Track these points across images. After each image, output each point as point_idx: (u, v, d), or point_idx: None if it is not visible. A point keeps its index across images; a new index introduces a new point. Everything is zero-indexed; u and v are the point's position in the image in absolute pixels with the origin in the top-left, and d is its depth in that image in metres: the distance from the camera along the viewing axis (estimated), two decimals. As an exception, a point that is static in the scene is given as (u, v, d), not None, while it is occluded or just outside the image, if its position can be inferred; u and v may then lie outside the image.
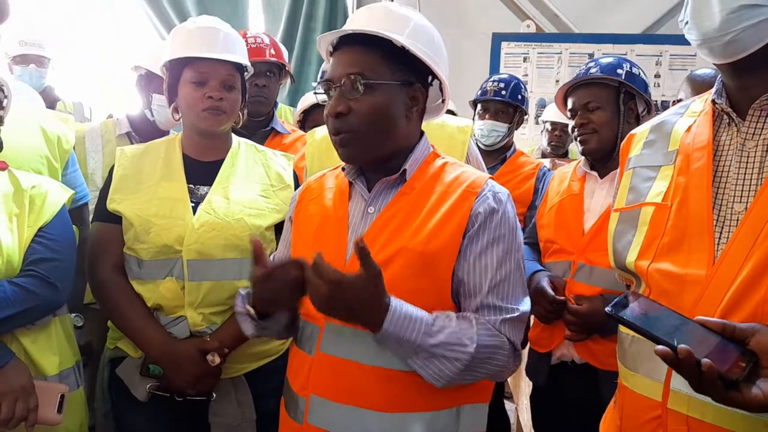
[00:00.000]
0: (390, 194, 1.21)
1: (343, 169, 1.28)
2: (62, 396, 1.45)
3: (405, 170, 1.20)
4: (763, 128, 0.97)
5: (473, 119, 2.64)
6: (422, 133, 1.27)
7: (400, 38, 1.14)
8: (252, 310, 1.18)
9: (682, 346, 0.80)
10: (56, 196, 1.54)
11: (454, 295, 1.16)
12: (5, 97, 1.52)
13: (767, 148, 0.96)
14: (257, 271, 1.12)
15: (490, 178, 1.22)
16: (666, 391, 0.98)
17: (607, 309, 0.90)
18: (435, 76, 1.23)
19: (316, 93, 1.35)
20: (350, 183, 1.26)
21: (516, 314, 1.14)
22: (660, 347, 0.81)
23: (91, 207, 1.79)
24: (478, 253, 1.13)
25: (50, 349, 1.51)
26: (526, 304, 1.17)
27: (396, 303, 1.05)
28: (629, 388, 1.07)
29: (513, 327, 1.14)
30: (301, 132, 2.59)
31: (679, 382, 0.93)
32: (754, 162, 0.96)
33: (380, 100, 1.15)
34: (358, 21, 1.19)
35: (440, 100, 1.31)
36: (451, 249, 1.13)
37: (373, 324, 1.04)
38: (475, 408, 1.20)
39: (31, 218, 1.47)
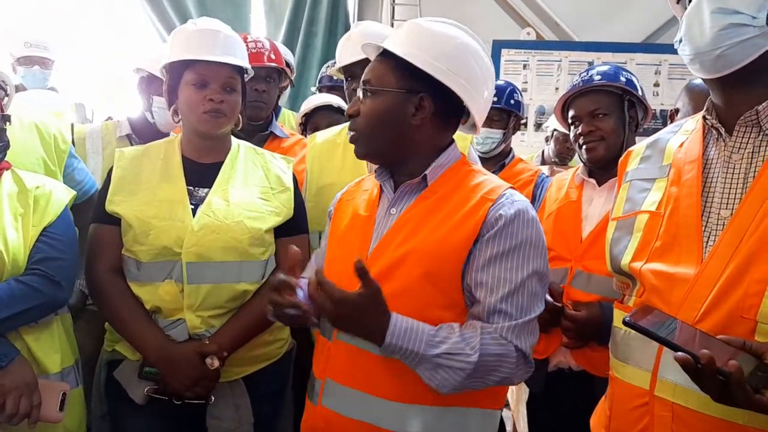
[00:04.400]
0: (412, 197, 1.28)
1: (376, 172, 1.37)
2: (64, 394, 1.48)
3: (426, 176, 1.27)
4: (747, 142, 1.05)
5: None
6: (451, 141, 1.33)
7: (398, 49, 1.23)
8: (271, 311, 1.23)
9: (704, 351, 0.84)
10: (60, 197, 1.57)
11: (468, 297, 1.20)
12: (6, 95, 1.53)
13: (751, 160, 1.04)
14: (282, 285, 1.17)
15: (511, 187, 1.25)
16: (653, 380, 1.05)
17: (626, 318, 0.95)
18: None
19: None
20: (381, 185, 1.34)
21: (525, 319, 1.16)
22: (680, 354, 0.85)
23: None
24: (491, 259, 1.17)
25: (52, 348, 1.54)
26: (538, 310, 1.19)
27: (396, 317, 1.12)
28: (619, 378, 1.15)
29: (522, 333, 1.16)
30: (299, 136, 2.59)
31: (666, 372, 1.01)
32: (739, 173, 1.05)
33: (379, 105, 1.25)
34: (390, 37, 1.30)
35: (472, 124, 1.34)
36: (460, 253, 1.18)
37: (377, 337, 1.12)
38: (485, 413, 1.24)
39: (35, 218, 1.50)
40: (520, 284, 1.16)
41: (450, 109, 1.28)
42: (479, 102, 1.28)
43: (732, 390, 0.83)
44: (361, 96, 1.27)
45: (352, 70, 1.92)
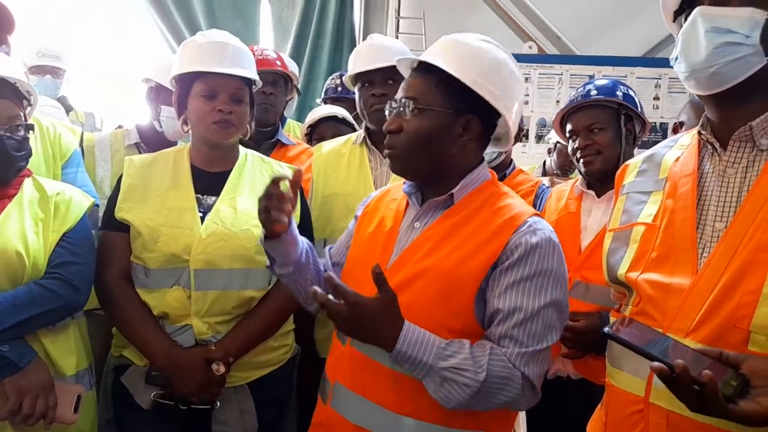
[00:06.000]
0: (437, 213, 1.27)
1: (405, 185, 1.35)
2: (78, 396, 1.50)
3: (453, 194, 1.25)
4: (742, 157, 1.07)
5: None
6: (482, 160, 1.31)
7: (452, 69, 1.19)
8: (264, 232, 1.29)
9: (679, 361, 0.85)
10: (79, 203, 1.60)
11: (484, 321, 1.19)
12: (30, 105, 1.57)
13: (745, 174, 1.06)
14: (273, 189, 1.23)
15: (536, 214, 1.23)
16: (648, 387, 1.06)
17: (605, 329, 0.97)
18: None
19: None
20: (408, 198, 1.33)
21: (536, 347, 1.14)
22: (656, 363, 0.87)
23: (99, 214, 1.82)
24: (509, 285, 1.15)
25: (68, 350, 1.56)
26: (551, 340, 1.17)
27: (409, 326, 1.12)
28: (615, 385, 1.16)
29: (531, 361, 1.14)
30: (305, 145, 2.62)
31: None
32: (733, 187, 1.06)
33: (426, 124, 1.22)
34: (428, 52, 1.26)
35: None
36: (475, 278, 1.17)
37: (388, 343, 1.11)
38: None
39: (56, 223, 1.53)
40: (535, 312, 1.14)
41: (490, 128, 1.26)
42: (510, 123, 1.27)
43: (707, 400, 0.85)
44: (407, 112, 1.23)
45: (371, 77, 1.96)
